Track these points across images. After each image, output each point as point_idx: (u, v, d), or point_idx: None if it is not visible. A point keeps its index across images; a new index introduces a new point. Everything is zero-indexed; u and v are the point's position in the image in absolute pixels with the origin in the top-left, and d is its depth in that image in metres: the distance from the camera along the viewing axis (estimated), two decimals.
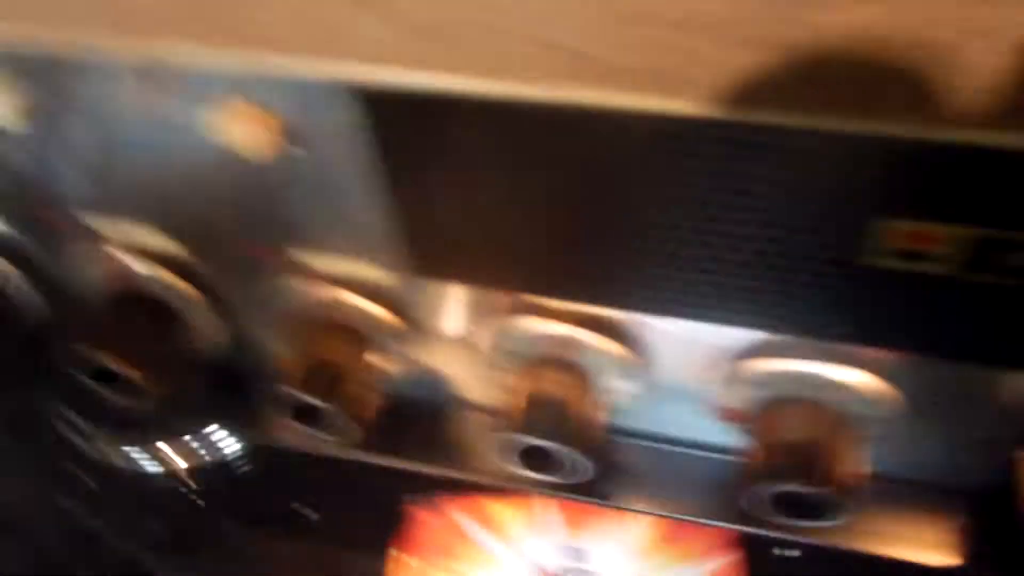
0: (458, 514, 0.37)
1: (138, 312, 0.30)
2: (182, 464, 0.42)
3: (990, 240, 0.17)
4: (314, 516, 0.39)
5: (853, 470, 0.25)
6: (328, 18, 0.20)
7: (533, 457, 0.27)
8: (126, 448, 0.42)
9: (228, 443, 0.42)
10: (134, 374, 0.30)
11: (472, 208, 0.21)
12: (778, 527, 0.26)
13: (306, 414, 0.29)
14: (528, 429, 0.26)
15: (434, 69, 0.17)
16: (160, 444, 0.42)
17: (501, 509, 0.37)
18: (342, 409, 0.28)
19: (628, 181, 0.18)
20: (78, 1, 0.21)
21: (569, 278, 0.22)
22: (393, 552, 0.36)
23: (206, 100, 0.22)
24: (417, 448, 0.33)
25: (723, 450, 0.31)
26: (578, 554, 0.36)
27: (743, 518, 0.30)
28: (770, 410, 0.26)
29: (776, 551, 0.35)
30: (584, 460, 0.27)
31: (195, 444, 0.42)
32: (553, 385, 0.27)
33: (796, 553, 0.36)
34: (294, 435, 0.30)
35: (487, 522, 0.36)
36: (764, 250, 0.19)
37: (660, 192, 0.18)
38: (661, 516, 0.35)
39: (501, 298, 0.26)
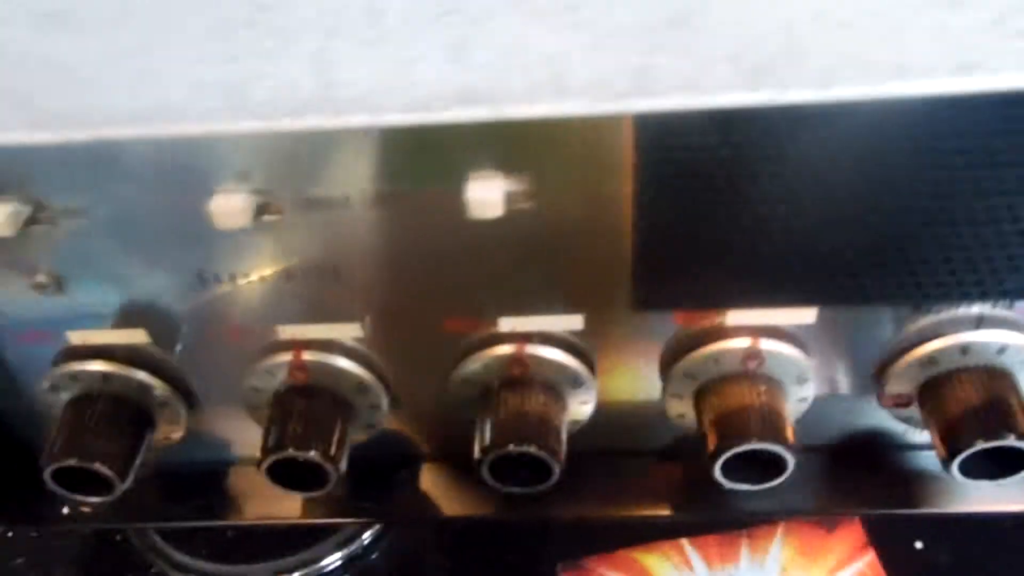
0: (609, 572, 0.38)
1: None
2: None
3: None
4: None
5: None
6: None
7: (741, 468, 0.30)
8: None
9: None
10: None
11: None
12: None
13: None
14: (742, 436, 0.29)
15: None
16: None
17: (647, 558, 0.38)
18: (556, 460, 0.30)
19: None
20: None
21: (835, 284, 0.26)
22: None
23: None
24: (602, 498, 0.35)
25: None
26: None
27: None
28: (941, 385, 0.30)
29: (917, 545, 0.38)
30: (788, 454, 0.29)
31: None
32: (746, 395, 0.30)
33: (920, 545, 0.39)
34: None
35: (638, 574, 0.38)
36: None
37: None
38: (795, 525, 0.38)
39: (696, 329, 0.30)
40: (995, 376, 0.29)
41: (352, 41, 0.23)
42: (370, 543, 0.42)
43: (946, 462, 0.29)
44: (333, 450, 0.31)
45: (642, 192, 0.24)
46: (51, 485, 0.31)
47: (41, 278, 0.29)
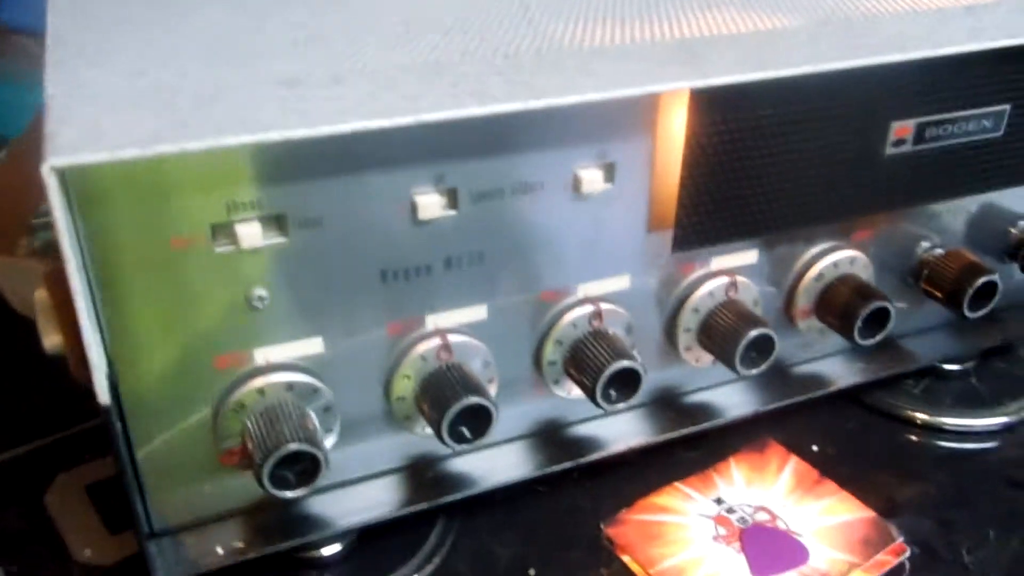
0: (639, 515, 0.49)
1: None
2: None
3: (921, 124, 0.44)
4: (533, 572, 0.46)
5: None
6: None
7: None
8: None
9: None
10: None
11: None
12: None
13: None
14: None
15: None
16: None
17: (660, 499, 0.50)
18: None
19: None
20: None
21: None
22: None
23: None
24: None
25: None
26: (720, 500, 0.51)
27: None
28: (827, 294, 0.49)
29: (814, 448, 0.55)
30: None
31: None
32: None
33: (815, 448, 0.56)
34: None
35: (661, 510, 0.50)
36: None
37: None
38: (740, 455, 0.53)
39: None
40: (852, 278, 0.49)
41: None
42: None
43: (850, 336, 0.48)
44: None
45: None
46: (268, 486, 0.35)
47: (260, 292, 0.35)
